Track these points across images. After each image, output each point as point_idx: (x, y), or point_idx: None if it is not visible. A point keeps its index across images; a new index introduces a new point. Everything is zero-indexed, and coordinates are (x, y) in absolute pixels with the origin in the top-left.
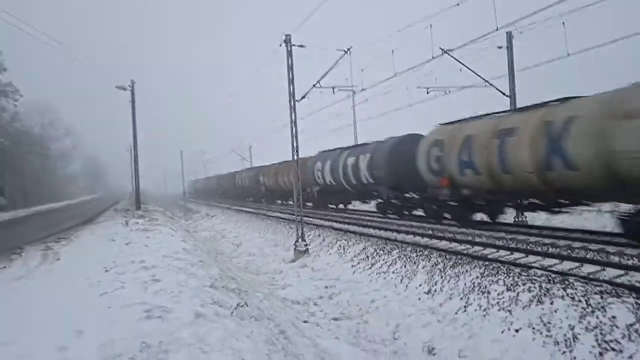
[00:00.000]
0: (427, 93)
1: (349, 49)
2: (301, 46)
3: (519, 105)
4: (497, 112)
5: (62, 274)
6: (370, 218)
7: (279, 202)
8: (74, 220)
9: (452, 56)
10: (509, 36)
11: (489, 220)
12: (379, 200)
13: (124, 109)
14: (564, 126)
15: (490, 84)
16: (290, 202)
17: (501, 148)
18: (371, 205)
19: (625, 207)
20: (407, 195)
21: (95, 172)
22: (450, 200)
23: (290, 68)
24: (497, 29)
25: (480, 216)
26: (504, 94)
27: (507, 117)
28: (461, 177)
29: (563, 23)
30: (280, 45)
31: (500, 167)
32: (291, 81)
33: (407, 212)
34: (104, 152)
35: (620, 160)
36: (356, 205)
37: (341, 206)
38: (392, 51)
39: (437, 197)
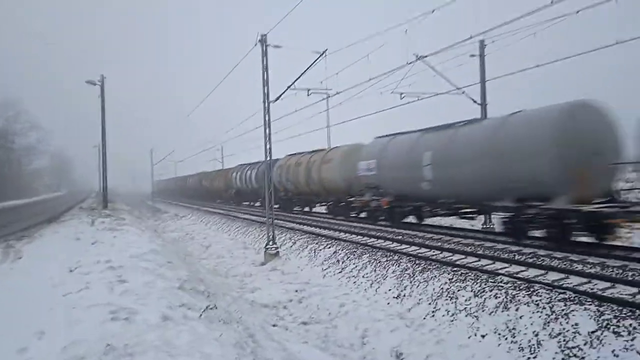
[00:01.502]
0: (401, 99)
1: (324, 51)
2: (277, 47)
3: (489, 112)
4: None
5: (24, 273)
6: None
7: (218, 200)
8: (37, 218)
9: (426, 63)
10: (482, 45)
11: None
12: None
13: (93, 105)
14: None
15: (463, 92)
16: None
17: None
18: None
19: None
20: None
21: (62, 169)
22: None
23: (265, 69)
24: (470, 37)
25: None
26: (475, 101)
27: (301, 157)
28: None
29: (534, 34)
30: (255, 44)
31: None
32: (266, 82)
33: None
34: (72, 148)
35: (325, 181)
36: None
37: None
38: (368, 55)
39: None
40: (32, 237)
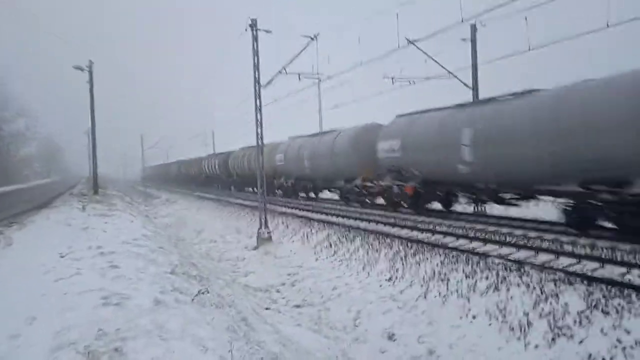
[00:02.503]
0: (393, 83)
1: (315, 36)
2: (267, 31)
3: (481, 95)
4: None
5: (15, 259)
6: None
7: (193, 185)
8: (28, 205)
9: (417, 47)
10: (473, 29)
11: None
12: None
13: (82, 91)
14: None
15: (455, 76)
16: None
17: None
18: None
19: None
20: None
21: (52, 155)
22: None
23: (255, 53)
24: (462, 21)
25: None
26: (466, 85)
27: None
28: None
29: (525, 18)
30: (246, 29)
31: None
32: (257, 67)
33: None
34: (61, 134)
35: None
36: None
37: None
38: (359, 39)
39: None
40: (22, 223)
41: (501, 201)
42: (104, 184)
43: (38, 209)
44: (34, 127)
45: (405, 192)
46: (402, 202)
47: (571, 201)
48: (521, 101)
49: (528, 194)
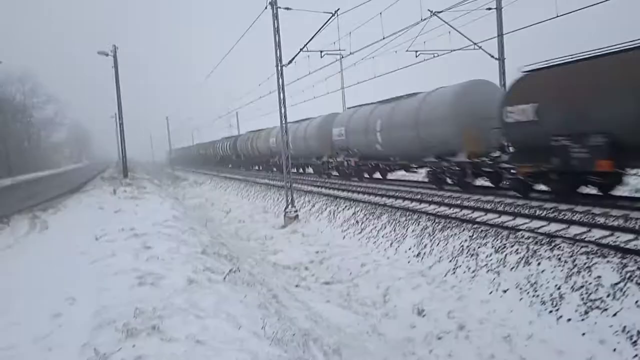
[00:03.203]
0: (416, 57)
1: (336, 12)
2: (287, 8)
3: (507, 68)
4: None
5: (52, 242)
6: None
7: (209, 165)
8: (60, 189)
9: (441, 18)
10: None
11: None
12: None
13: (108, 75)
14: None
15: (480, 47)
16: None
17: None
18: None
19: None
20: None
21: (81, 141)
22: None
23: (276, 31)
24: None
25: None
26: (492, 56)
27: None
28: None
29: None
30: (266, 7)
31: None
32: (278, 45)
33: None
34: (90, 119)
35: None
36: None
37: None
38: (380, 14)
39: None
40: (56, 207)
41: (407, 168)
42: (132, 167)
43: (71, 193)
44: (62, 112)
45: (351, 164)
46: (350, 174)
47: (432, 167)
48: (406, 100)
49: (417, 163)
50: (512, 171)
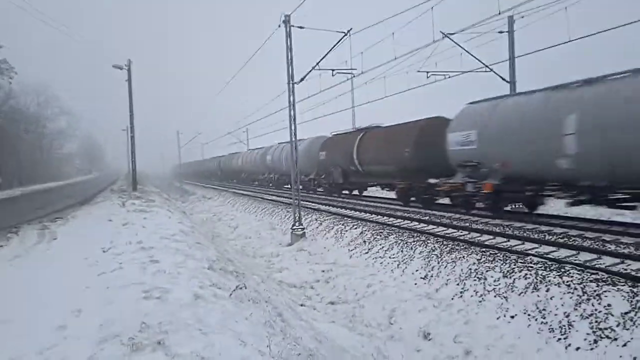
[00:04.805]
0: (427, 77)
1: (349, 31)
2: (300, 27)
3: (519, 91)
4: None
5: (60, 253)
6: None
7: (213, 179)
8: (70, 200)
9: (452, 40)
10: (511, 20)
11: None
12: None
13: (121, 88)
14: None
15: (491, 69)
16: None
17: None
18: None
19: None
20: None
21: (92, 153)
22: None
23: (289, 49)
24: (499, 13)
25: None
26: (503, 79)
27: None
28: None
29: (565, 8)
30: (279, 26)
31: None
32: (290, 63)
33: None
34: (101, 132)
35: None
36: None
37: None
38: (393, 34)
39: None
40: (65, 218)
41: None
42: (142, 180)
43: (80, 205)
44: (74, 124)
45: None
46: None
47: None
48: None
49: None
50: None
